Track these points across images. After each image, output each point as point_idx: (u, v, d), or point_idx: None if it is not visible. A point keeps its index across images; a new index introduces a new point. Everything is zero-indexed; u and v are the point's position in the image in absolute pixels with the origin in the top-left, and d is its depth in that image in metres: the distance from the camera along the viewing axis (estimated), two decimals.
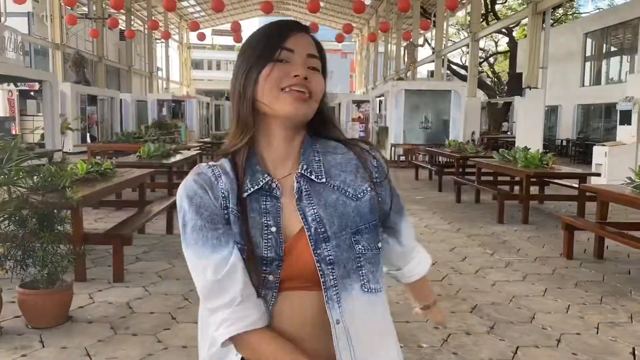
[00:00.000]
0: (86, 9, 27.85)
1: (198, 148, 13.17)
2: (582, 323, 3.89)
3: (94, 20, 26.85)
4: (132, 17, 31.65)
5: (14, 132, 16.56)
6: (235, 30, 23.39)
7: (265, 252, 1.02)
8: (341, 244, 1.04)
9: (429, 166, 12.89)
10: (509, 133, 23.71)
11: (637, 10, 18.51)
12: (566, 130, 23.41)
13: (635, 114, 11.15)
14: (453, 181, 9.93)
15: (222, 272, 0.99)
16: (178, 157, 8.65)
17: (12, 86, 18.30)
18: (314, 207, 1.04)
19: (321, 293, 1.03)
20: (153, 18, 30.39)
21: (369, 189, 1.09)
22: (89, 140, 20.39)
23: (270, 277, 1.03)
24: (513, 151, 8.77)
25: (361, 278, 1.06)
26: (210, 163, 1.09)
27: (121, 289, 4.47)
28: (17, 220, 3.48)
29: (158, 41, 38.79)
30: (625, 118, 11.47)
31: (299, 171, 1.06)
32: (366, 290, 1.07)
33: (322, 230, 1.03)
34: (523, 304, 4.27)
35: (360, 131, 25.15)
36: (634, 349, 3.45)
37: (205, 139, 17.97)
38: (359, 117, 26.63)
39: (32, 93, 19.41)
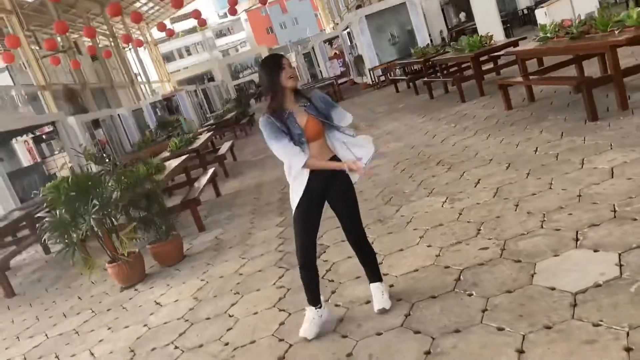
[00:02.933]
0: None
1: (207, 130, 14.98)
2: (509, 146, 5.76)
3: (66, 52, 28.31)
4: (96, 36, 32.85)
5: (47, 173, 18.59)
6: (197, 16, 24.75)
7: (298, 131, 2.92)
8: (326, 123, 2.97)
9: (404, 77, 14.56)
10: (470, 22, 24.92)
11: None
12: None
13: None
14: (422, 83, 11.65)
15: (288, 145, 2.91)
16: (199, 141, 10.51)
17: (26, 136, 20.15)
18: (314, 113, 2.95)
19: (322, 139, 2.98)
20: (117, 31, 31.54)
21: (323, 108, 3.00)
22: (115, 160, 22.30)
23: (303, 139, 2.93)
24: (459, 41, 10.41)
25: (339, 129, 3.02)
26: (267, 115, 2.98)
27: (206, 234, 6.45)
28: (133, 204, 5.44)
29: (126, 49, 39.97)
30: None
31: (301, 106, 2.97)
32: (341, 131, 3.01)
33: (321, 119, 2.95)
34: (472, 149, 6.15)
35: (340, 67, 26.60)
36: (536, 148, 5.32)
37: (210, 122, 19.75)
38: (335, 53, 27.96)
39: (43, 137, 21.31)
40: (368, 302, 3.25)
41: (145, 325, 4.21)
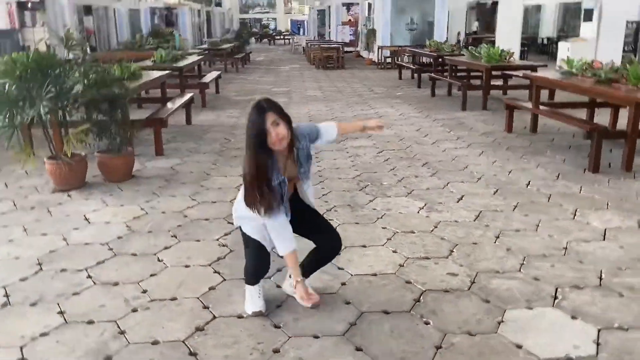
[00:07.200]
0: None
1: (198, 53, 14.21)
2: (500, 170, 5.43)
3: None
4: None
5: (21, 44, 17.43)
6: None
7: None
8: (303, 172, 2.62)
9: (411, 66, 14.07)
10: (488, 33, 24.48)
11: None
12: (548, 29, 24.22)
13: (596, 11, 12.23)
14: (428, 77, 11.21)
15: (287, 223, 2.65)
16: (185, 61, 9.85)
17: None
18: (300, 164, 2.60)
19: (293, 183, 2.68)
20: None
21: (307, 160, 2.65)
22: (89, 50, 21.18)
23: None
24: (480, 48, 9.98)
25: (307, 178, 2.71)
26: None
27: (163, 160, 5.95)
28: (93, 104, 4.87)
29: None
30: (588, 15, 12.55)
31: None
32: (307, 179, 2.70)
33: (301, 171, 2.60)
34: (461, 161, 5.79)
35: (350, 34, 25.87)
36: (529, 181, 5.00)
37: (203, 46, 18.84)
38: (349, 20, 27.20)
39: (29, 5, 19.97)
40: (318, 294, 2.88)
41: (64, 240, 3.75)
